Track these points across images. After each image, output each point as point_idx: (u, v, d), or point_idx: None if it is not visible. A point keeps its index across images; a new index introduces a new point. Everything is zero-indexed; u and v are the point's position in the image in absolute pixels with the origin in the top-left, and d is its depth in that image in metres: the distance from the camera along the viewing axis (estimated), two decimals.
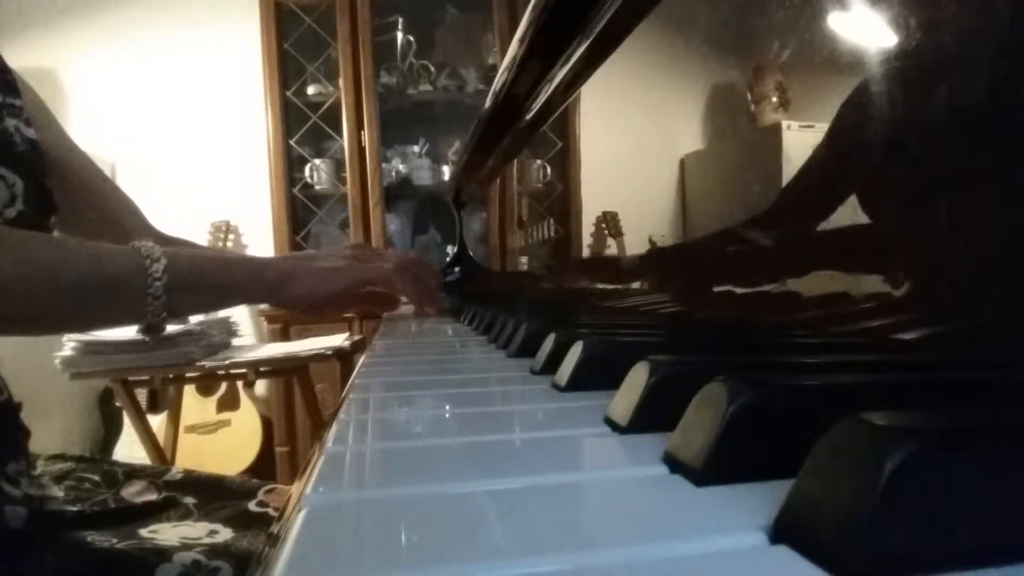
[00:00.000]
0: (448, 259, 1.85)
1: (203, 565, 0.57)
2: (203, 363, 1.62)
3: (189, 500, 0.71)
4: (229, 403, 2.52)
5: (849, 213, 0.37)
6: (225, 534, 0.65)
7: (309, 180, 2.57)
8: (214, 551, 0.59)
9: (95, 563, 0.56)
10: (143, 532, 0.63)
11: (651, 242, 0.69)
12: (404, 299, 0.94)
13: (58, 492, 0.66)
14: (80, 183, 0.77)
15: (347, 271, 0.77)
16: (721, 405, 0.21)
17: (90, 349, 1.56)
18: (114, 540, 0.59)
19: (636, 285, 0.73)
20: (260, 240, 2.68)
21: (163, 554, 0.57)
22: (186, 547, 0.59)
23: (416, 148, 2.67)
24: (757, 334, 0.47)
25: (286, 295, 0.73)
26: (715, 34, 0.56)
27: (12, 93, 0.67)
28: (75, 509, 0.63)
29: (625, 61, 0.68)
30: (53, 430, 2.49)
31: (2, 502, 0.57)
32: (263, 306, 2.46)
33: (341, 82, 2.47)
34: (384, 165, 2.56)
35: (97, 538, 0.59)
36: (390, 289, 0.82)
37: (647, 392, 0.27)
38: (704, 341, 0.47)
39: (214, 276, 0.69)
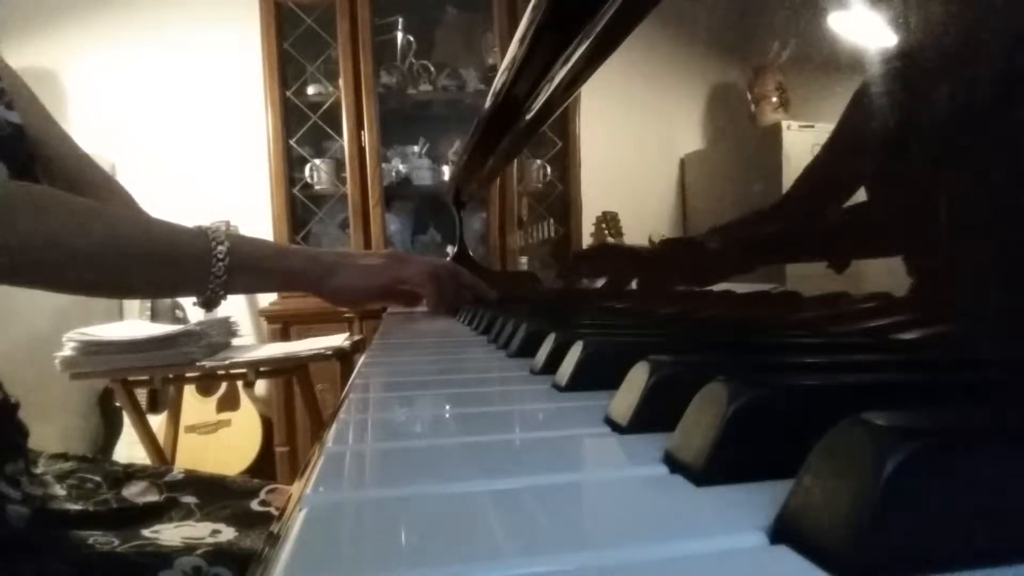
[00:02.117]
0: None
1: (204, 571, 0.57)
2: (203, 363, 1.62)
3: (191, 500, 0.71)
4: (229, 403, 2.52)
5: (849, 212, 0.37)
6: (228, 534, 0.65)
7: (309, 180, 2.57)
8: (216, 554, 0.59)
9: (96, 565, 0.56)
10: (146, 532, 0.63)
11: (651, 242, 0.69)
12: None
13: (60, 491, 0.66)
14: (69, 171, 0.75)
15: (384, 269, 0.83)
16: (721, 405, 0.21)
17: (90, 349, 1.56)
18: (116, 541, 0.59)
19: (636, 285, 0.73)
20: None
21: (164, 558, 0.57)
22: (189, 549, 0.59)
23: (416, 148, 2.67)
24: (757, 334, 0.47)
25: (330, 286, 0.78)
26: (715, 34, 0.56)
27: None
28: (78, 507, 0.63)
29: (625, 61, 0.68)
30: (53, 430, 2.49)
31: (2, 503, 0.57)
32: (263, 306, 2.47)
33: (341, 82, 2.47)
34: (384, 165, 2.56)
35: (99, 539, 0.59)
36: (418, 290, 0.88)
37: (647, 392, 0.27)
38: (704, 341, 0.47)
39: (271, 261, 0.74)
